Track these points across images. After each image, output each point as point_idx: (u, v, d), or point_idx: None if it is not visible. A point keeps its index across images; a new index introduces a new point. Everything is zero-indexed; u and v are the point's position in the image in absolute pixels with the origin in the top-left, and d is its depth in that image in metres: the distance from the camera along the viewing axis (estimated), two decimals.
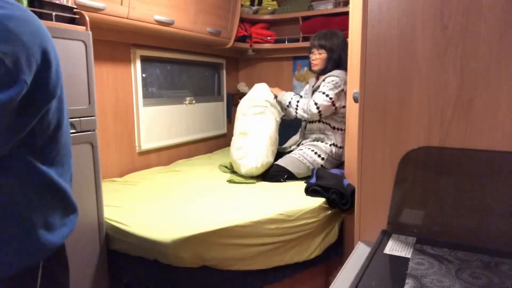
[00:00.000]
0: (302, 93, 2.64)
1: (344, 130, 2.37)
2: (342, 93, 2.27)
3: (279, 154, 2.40)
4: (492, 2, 0.79)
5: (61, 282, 0.94)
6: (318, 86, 2.34)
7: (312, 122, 2.40)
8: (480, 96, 0.83)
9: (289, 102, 2.35)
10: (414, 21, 0.87)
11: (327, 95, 2.24)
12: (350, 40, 1.99)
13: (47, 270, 0.86)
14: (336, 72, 2.32)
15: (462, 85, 0.84)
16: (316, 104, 2.24)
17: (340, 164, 2.37)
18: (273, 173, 2.25)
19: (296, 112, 2.32)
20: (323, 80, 2.31)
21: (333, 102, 2.24)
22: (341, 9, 2.95)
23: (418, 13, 0.86)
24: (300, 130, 2.60)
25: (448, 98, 0.86)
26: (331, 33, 2.42)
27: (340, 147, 2.36)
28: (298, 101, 2.32)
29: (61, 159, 0.87)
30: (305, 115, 2.29)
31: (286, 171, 2.25)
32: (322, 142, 2.34)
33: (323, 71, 2.40)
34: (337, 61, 2.37)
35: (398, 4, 0.88)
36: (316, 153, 2.31)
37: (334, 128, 2.34)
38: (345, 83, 2.27)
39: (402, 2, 0.88)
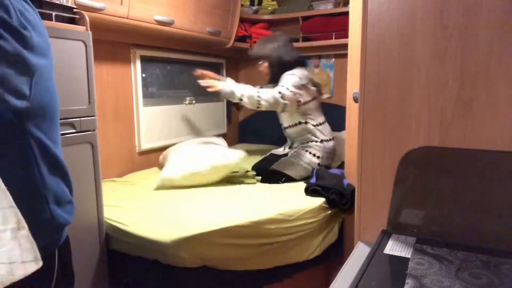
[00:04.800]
0: None
1: (324, 122, 2.38)
2: (303, 88, 2.25)
3: (276, 157, 2.40)
4: (492, 2, 0.79)
5: (71, 271, 1.00)
6: None
7: (290, 127, 2.39)
8: (480, 96, 0.83)
9: (242, 94, 2.15)
10: (414, 21, 0.87)
11: (287, 88, 2.19)
12: (350, 40, 1.98)
13: (61, 259, 0.92)
14: (291, 71, 2.29)
15: (462, 85, 0.84)
16: (279, 92, 2.15)
17: (333, 158, 2.40)
18: (270, 177, 2.25)
19: (259, 104, 2.14)
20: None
21: (295, 94, 2.19)
22: (341, 9, 2.94)
23: (418, 13, 0.86)
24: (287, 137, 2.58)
25: (448, 98, 0.85)
26: (264, 39, 2.40)
27: (330, 140, 2.36)
28: (258, 92, 2.14)
29: (59, 142, 0.94)
30: (271, 102, 2.14)
31: (283, 174, 2.25)
32: (312, 142, 2.33)
33: (273, 79, 2.38)
34: (279, 63, 2.32)
35: (398, 4, 0.88)
36: (310, 153, 2.30)
37: (314, 125, 2.34)
38: (304, 78, 2.27)
39: (402, 2, 0.88)
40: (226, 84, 2.22)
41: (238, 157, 2.15)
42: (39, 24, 0.83)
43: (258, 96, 2.13)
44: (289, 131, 2.44)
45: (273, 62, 2.35)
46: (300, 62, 2.39)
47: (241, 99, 2.16)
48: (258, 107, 2.17)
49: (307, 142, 2.35)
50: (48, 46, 0.86)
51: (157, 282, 1.52)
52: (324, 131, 2.36)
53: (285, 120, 2.43)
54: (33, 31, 0.78)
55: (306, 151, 2.32)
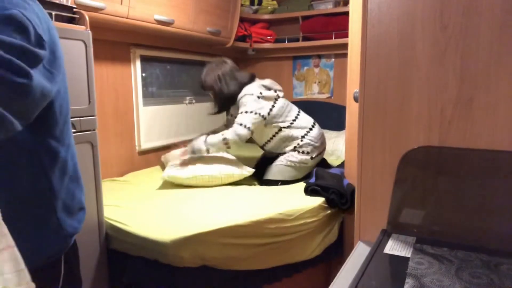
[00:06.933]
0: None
1: (297, 115, 2.29)
2: (261, 101, 2.19)
3: (269, 160, 2.35)
4: (492, 2, 0.79)
5: (78, 277, 0.98)
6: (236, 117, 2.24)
7: (267, 142, 2.32)
8: (480, 96, 0.83)
9: (208, 144, 2.13)
10: (414, 21, 0.87)
11: (251, 112, 2.14)
12: (350, 40, 1.98)
13: (67, 264, 0.89)
14: (243, 94, 2.22)
15: (462, 85, 0.84)
16: (241, 124, 2.11)
17: (323, 142, 2.34)
18: (267, 183, 2.24)
19: (227, 144, 2.12)
20: (238, 109, 2.22)
21: (260, 114, 2.17)
22: (341, 9, 2.95)
23: (418, 13, 0.86)
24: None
25: (448, 98, 0.86)
26: (206, 71, 2.29)
27: (310, 128, 2.28)
28: (223, 134, 2.12)
29: (72, 142, 0.91)
30: (238, 141, 2.13)
31: (278, 180, 2.24)
32: (294, 141, 2.25)
33: (222, 108, 2.33)
34: (224, 92, 2.23)
35: (398, 4, 0.88)
36: (299, 152, 2.25)
37: (289, 127, 2.25)
38: (257, 89, 2.21)
39: (402, 2, 0.88)
40: (194, 143, 2.17)
41: (247, 171, 2.17)
42: (52, 31, 0.79)
43: (224, 138, 2.11)
44: (268, 147, 2.35)
45: (216, 93, 2.27)
46: (245, 84, 2.27)
47: (208, 150, 2.13)
48: (228, 147, 2.14)
49: (292, 146, 2.27)
50: (59, 50, 0.82)
51: (157, 282, 1.52)
52: (300, 125, 2.27)
53: (259, 138, 2.34)
54: (47, 45, 0.74)
55: (295, 150, 2.25)
